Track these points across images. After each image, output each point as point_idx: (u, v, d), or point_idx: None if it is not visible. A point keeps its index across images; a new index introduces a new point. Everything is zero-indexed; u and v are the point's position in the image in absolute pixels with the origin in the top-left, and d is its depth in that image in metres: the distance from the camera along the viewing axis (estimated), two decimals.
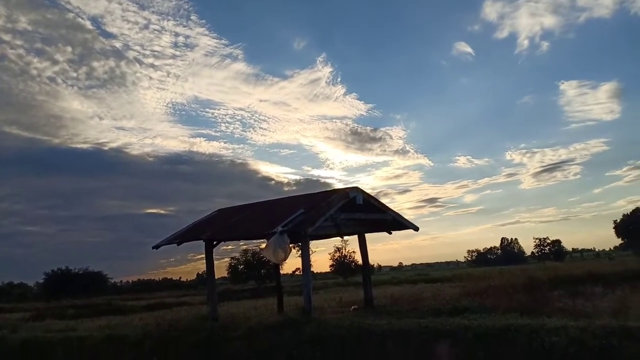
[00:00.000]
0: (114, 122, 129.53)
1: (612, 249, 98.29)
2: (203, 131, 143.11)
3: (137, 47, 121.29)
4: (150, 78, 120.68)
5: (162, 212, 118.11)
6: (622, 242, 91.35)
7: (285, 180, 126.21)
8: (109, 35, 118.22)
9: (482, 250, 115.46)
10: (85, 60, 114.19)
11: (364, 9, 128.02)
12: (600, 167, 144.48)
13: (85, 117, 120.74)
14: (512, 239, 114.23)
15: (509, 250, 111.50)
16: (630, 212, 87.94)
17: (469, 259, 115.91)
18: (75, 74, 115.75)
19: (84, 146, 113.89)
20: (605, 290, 15.61)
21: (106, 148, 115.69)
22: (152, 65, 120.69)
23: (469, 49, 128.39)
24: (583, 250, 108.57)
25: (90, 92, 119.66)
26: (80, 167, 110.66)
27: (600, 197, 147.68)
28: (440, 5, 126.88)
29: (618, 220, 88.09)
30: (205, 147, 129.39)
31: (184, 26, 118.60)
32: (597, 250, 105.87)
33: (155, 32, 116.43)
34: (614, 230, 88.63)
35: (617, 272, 20.39)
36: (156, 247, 15.06)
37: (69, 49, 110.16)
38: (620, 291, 14.73)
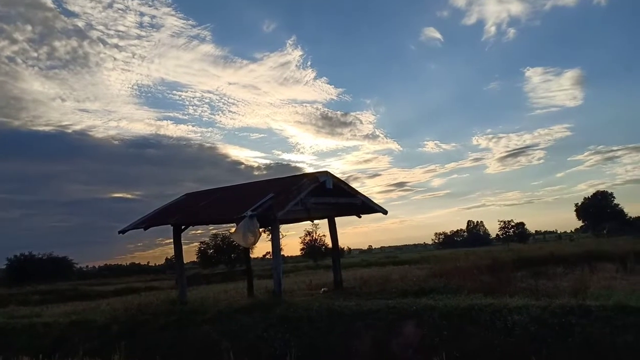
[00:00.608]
0: (77, 104, 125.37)
1: (573, 231, 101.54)
2: (170, 114, 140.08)
3: (101, 27, 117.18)
4: (115, 59, 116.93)
5: (128, 196, 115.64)
6: (582, 224, 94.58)
7: (256, 165, 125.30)
8: (71, 14, 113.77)
9: (449, 233, 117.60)
10: (46, 40, 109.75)
11: None
12: (562, 152, 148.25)
13: (47, 99, 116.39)
14: (477, 221, 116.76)
15: (474, 232, 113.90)
16: (590, 196, 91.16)
17: (436, 241, 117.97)
18: (35, 54, 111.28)
19: (47, 129, 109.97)
20: (566, 270, 16.19)
21: (69, 131, 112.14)
22: (116, 46, 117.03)
23: (437, 35, 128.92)
24: (546, 232, 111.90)
25: (52, 72, 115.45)
26: (43, 150, 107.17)
27: (562, 181, 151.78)
28: None
29: (579, 204, 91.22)
30: (172, 130, 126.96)
31: (150, 6, 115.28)
32: (559, 232, 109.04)
33: (120, 11, 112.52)
34: (575, 213, 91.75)
35: (577, 253, 21.10)
36: (122, 231, 14.84)
37: (29, 27, 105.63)
38: (580, 271, 15.31)
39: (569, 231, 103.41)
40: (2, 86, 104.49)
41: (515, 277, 13.81)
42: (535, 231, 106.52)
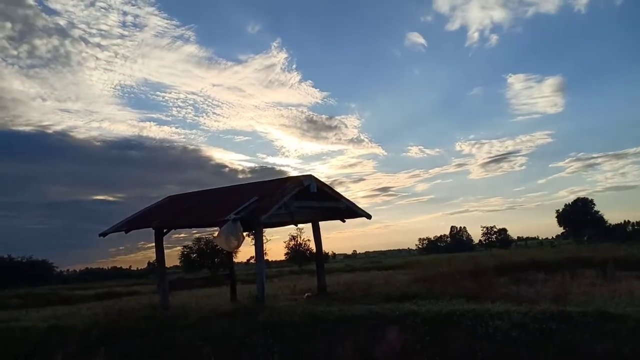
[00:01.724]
0: (58, 103, 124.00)
1: (554, 237, 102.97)
2: (153, 115, 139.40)
3: (83, 26, 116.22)
4: (97, 58, 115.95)
5: (110, 198, 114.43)
6: (563, 230, 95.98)
7: (240, 168, 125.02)
8: (52, 12, 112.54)
9: (432, 238, 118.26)
10: (27, 38, 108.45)
11: None
12: (544, 158, 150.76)
13: (27, 98, 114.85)
14: (461, 227, 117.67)
15: (458, 238, 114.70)
16: (571, 202, 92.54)
17: (420, 246, 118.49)
18: (15, 52, 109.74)
19: (27, 129, 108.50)
20: (547, 276, 16.35)
21: (50, 131, 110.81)
22: (98, 45, 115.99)
23: (421, 40, 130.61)
24: (527, 238, 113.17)
25: (33, 71, 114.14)
26: (22, 151, 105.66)
27: (544, 188, 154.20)
28: None
29: (560, 210, 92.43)
30: (155, 132, 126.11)
31: (133, 5, 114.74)
32: (540, 238, 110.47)
33: (102, 10, 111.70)
34: (556, 219, 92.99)
35: (559, 259, 21.34)
36: (103, 234, 14.65)
37: (9, 25, 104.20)
38: (561, 278, 15.48)
39: (550, 237, 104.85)
40: None
41: (497, 283, 13.92)
42: (518, 237, 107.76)
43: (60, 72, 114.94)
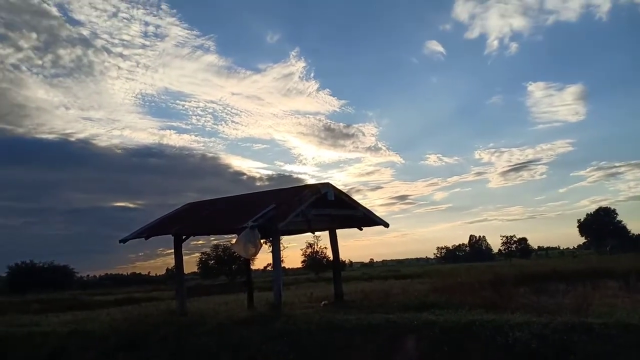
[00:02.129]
0: (81, 112, 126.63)
1: (575, 247, 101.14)
2: (173, 124, 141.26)
3: (106, 36, 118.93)
4: (119, 68, 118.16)
5: (130, 205, 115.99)
6: (585, 240, 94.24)
7: (258, 175, 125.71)
8: (76, 23, 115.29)
9: (451, 248, 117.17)
10: (51, 48, 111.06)
11: (337, 4, 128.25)
12: (565, 167, 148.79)
13: (51, 107, 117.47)
14: (480, 236, 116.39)
15: (477, 247, 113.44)
16: (593, 212, 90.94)
17: (438, 255, 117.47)
18: (40, 62, 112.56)
19: (50, 136, 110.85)
20: (568, 287, 16.07)
21: (73, 139, 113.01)
22: (120, 55, 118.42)
23: (440, 48, 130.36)
24: (548, 248, 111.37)
25: (56, 80, 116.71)
26: (46, 158, 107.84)
27: (564, 197, 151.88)
28: (412, 3, 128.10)
29: (582, 220, 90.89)
30: (175, 140, 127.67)
31: (154, 15, 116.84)
32: (561, 248, 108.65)
33: (125, 20, 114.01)
34: (577, 229, 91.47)
35: (580, 270, 20.97)
36: (123, 240, 14.81)
37: (34, 35, 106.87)
38: (582, 288, 15.20)
39: (571, 247, 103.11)
40: (6, 93, 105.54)
41: (517, 293, 13.71)
42: (538, 247, 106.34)
43: (83, 82, 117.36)
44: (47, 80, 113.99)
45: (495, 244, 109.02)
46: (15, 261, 59.49)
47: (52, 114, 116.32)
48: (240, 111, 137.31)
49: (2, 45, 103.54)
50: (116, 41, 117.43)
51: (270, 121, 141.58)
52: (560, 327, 7.54)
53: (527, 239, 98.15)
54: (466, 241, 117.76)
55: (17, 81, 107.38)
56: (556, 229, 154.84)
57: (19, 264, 59.09)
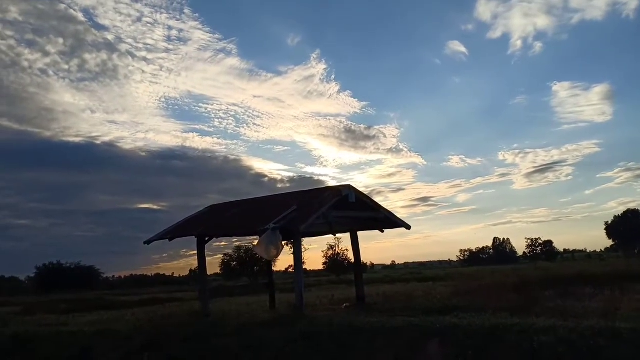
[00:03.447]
0: (106, 115, 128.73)
1: (603, 250, 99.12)
2: (196, 126, 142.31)
3: (130, 40, 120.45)
4: (143, 72, 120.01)
5: (154, 207, 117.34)
6: (613, 243, 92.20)
7: (279, 177, 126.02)
8: (101, 28, 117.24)
9: (474, 250, 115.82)
10: (77, 53, 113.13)
11: (358, 6, 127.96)
12: (591, 168, 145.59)
13: (77, 110, 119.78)
14: (504, 239, 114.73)
15: (501, 250, 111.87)
16: (621, 214, 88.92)
17: (461, 258, 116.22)
18: (67, 66, 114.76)
19: (76, 140, 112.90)
20: (595, 291, 15.71)
21: (98, 142, 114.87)
22: (144, 59, 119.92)
23: (462, 48, 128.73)
24: (574, 251, 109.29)
25: (82, 84, 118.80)
26: (72, 161, 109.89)
27: (591, 199, 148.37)
28: (434, 3, 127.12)
29: (609, 222, 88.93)
30: (198, 142, 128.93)
31: (177, 20, 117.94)
32: (588, 251, 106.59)
33: (148, 25, 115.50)
34: (605, 231, 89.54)
35: (607, 273, 20.47)
36: (148, 242, 15.03)
37: (61, 40, 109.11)
38: (610, 292, 14.85)
39: (598, 250, 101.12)
40: (34, 98, 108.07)
41: (542, 297, 13.49)
42: (564, 250, 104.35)
43: (108, 85, 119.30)
44: (74, 84, 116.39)
45: (519, 246, 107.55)
46: (43, 262, 60.96)
47: (78, 118, 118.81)
48: (262, 114, 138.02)
49: (31, 51, 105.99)
50: (140, 45, 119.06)
51: (291, 123, 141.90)
52: (587, 332, 7.39)
53: (553, 241, 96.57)
54: (490, 243, 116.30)
55: (45, 85, 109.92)
56: (583, 232, 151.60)
57: (46, 264, 60.47)
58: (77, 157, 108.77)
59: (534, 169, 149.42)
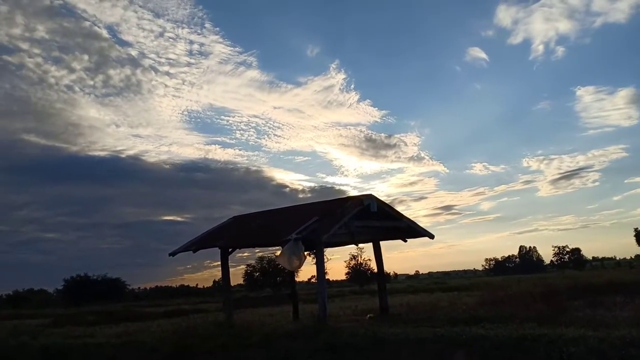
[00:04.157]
0: (131, 129, 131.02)
1: (633, 257, 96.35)
2: (218, 138, 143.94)
3: (153, 55, 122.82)
4: (166, 86, 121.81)
5: (178, 219, 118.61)
6: None
7: (300, 188, 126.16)
8: (125, 44, 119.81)
9: (500, 259, 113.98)
10: (102, 69, 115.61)
11: (376, 15, 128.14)
12: (619, 173, 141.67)
13: (102, 125, 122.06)
14: (530, 247, 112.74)
15: (527, 258, 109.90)
16: None
17: (486, 267, 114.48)
18: (92, 82, 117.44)
19: (102, 154, 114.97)
20: (626, 299, 15.30)
21: (123, 155, 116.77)
22: (167, 73, 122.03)
23: (483, 55, 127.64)
24: (603, 258, 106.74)
25: (107, 100, 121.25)
26: (98, 175, 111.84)
27: (620, 205, 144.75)
28: (453, 10, 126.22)
29: (639, 228, 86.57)
30: (220, 154, 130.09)
31: (199, 34, 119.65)
32: (617, 258, 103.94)
33: (170, 40, 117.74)
34: (634, 238, 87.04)
35: (638, 281, 19.96)
36: (173, 254, 15.20)
37: (86, 57, 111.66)
38: None
39: (628, 257, 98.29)
40: (61, 113, 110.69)
41: (571, 306, 13.20)
42: (592, 257, 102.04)
43: (132, 100, 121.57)
44: (99, 99, 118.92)
45: (546, 254, 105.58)
46: (71, 274, 61.93)
47: (103, 132, 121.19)
48: (282, 124, 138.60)
49: (57, 68, 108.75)
50: (163, 60, 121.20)
51: (312, 133, 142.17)
52: (618, 342, 7.21)
53: (581, 249, 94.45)
54: (516, 252, 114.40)
55: (71, 101, 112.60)
56: (611, 239, 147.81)
57: (74, 277, 61.43)
58: (102, 171, 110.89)
59: (559, 175, 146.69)
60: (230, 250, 15.24)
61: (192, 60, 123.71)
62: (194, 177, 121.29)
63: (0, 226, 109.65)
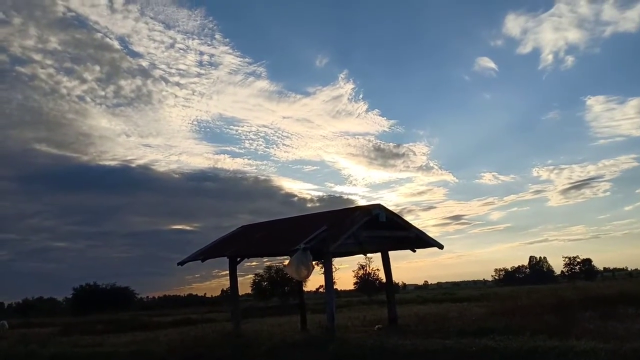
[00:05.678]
0: (141, 139, 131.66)
1: None
2: (227, 148, 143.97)
3: (163, 66, 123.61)
4: (176, 96, 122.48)
5: (187, 228, 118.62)
6: None
7: (309, 197, 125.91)
8: (136, 55, 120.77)
9: (509, 269, 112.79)
10: (113, 79, 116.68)
11: (385, 25, 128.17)
12: (630, 183, 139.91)
13: (113, 135, 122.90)
14: (540, 257, 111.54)
15: (537, 269, 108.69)
16: None
17: (496, 277, 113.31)
18: (103, 93, 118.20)
19: (112, 163, 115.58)
20: (638, 311, 15.10)
21: (133, 165, 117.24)
22: (177, 84, 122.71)
23: (492, 64, 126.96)
24: (615, 269, 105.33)
25: (118, 110, 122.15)
26: (108, 184, 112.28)
27: (631, 215, 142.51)
28: (462, 20, 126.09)
29: None
30: (229, 163, 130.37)
31: (209, 45, 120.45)
32: (629, 269, 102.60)
33: (181, 51, 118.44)
34: None
35: None
36: (181, 263, 15.23)
37: (97, 68, 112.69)
38: None
39: None
40: (73, 123, 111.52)
41: (582, 318, 13.05)
42: (604, 268, 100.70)
43: (142, 110, 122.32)
44: (110, 109, 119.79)
45: (557, 265, 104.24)
46: (80, 283, 62.18)
47: (114, 142, 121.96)
48: (291, 134, 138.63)
49: (69, 78, 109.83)
50: (173, 71, 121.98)
51: (320, 143, 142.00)
52: (630, 354, 7.12)
53: (592, 259, 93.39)
54: (526, 262, 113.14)
55: (82, 111, 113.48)
56: (623, 249, 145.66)
57: (83, 285, 61.68)
58: (113, 180, 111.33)
59: (569, 185, 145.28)
60: (238, 259, 15.25)
61: (202, 71, 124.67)
62: (203, 186, 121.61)
63: (10, 235, 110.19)
